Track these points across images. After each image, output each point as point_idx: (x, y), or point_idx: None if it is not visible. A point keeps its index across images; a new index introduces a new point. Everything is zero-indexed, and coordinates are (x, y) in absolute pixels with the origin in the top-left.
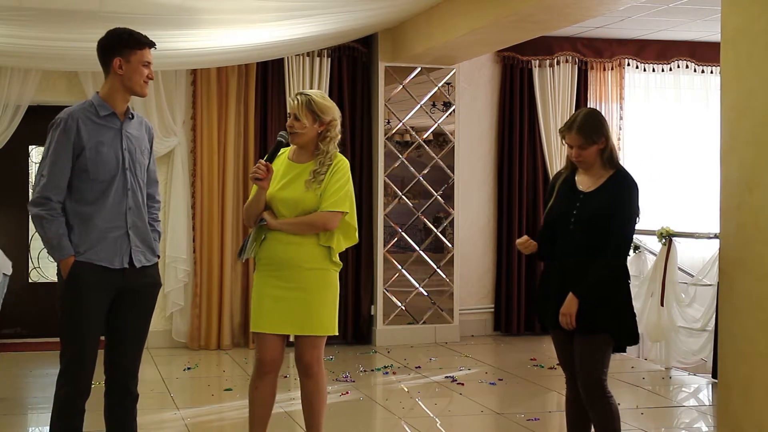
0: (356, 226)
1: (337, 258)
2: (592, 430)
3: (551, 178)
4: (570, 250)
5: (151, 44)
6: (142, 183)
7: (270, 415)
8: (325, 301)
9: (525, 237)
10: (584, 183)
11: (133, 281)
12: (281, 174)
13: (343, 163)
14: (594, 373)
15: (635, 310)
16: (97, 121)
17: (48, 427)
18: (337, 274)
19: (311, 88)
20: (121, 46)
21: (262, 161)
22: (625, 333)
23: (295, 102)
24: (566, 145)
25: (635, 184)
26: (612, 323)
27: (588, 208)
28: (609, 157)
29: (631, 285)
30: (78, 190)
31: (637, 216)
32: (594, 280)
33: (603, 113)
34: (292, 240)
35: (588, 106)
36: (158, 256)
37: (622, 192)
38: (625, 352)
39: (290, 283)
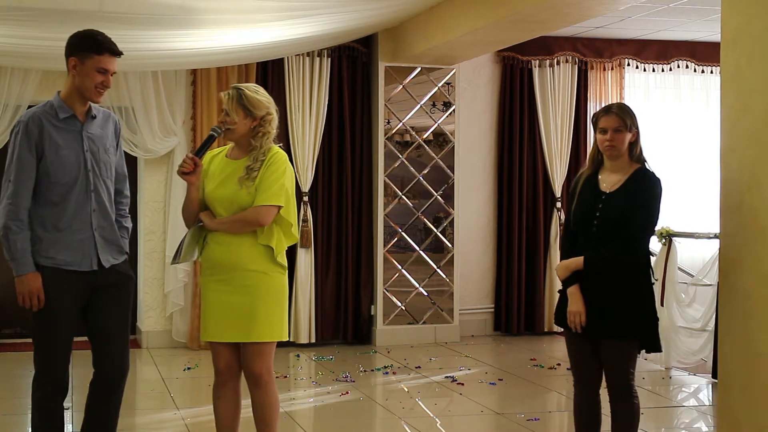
0: (293, 222)
1: (283, 260)
2: None
3: (574, 180)
4: (592, 253)
5: (114, 52)
6: (108, 183)
7: (237, 424)
8: (268, 305)
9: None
10: (607, 181)
11: (104, 279)
12: (218, 172)
13: (278, 156)
14: (627, 377)
15: None
16: (57, 123)
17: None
18: (284, 276)
19: (311, 88)
20: (79, 47)
21: (189, 154)
22: (654, 338)
23: (226, 96)
24: (598, 134)
25: (659, 182)
26: (642, 328)
27: (611, 210)
28: (638, 152)
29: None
30: (41, 193)
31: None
32: (598, 271)
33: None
34: (229, 241)
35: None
36: (127, 254)
37: (644, 189)
38: (660, 351)
39: (232, 287)
